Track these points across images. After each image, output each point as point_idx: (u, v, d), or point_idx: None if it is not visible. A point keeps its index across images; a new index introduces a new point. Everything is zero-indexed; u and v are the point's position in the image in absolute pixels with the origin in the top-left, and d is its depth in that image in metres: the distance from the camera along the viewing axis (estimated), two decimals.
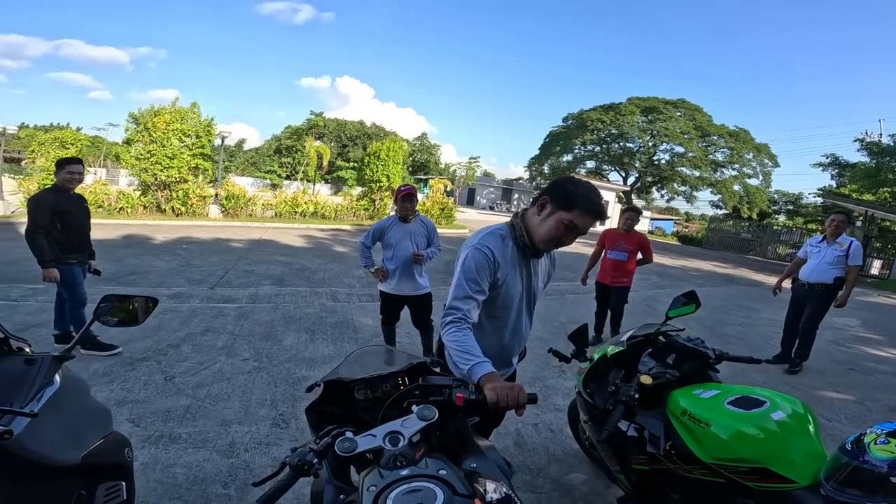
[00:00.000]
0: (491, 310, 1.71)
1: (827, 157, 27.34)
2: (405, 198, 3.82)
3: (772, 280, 14.94)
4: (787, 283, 5.60)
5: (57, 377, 1.48)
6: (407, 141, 27.73)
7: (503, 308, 1.72)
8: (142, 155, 14.01)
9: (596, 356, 2.27)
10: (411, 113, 69.60)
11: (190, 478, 2.48)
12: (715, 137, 37.65)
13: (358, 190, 21.35)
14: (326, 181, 32.20)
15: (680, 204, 42.75)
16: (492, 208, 45.11)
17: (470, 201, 47.70)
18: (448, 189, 25.86)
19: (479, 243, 1.63)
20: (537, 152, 44.05)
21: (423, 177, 40.20)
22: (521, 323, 1.82)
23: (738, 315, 8.45)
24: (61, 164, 3.97)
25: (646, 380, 1.86)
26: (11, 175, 18.83)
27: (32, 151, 14.35)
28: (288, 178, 29.94)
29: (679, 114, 37.95)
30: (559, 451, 3.08)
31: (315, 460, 1.03)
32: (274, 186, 21.29)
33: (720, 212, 37.57)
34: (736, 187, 37.20)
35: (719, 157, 38.25)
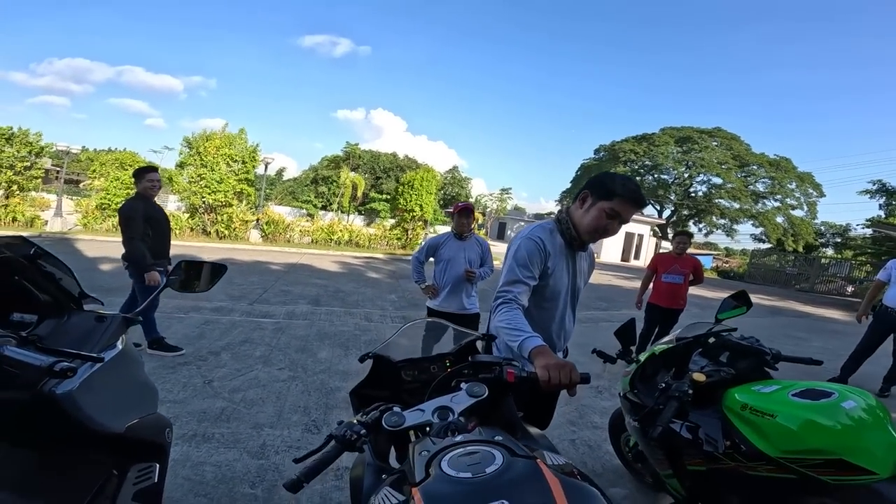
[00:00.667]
0: (539, 300, 1.73)
1: (874, 184, 25.40)
2: (462, 212, 3.68)
3: (822, 312, 14.44)
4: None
5: (120, 342, 1.49)
6: (440, 175, 28.33)
7: (551, 299, 1.76)
8: (193, 178, 14.89)
9: (643, 357, 2.18)
10: (442, 146, 71.48)
11: (218, 476, 2.48)
12: (754, 167, 35.96)
13: (391, 221, 21.78)
14: (360, 213, 33.01)
15: (719, 238, 41.08)
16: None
17: (500, 235, 47.55)
18: (479, 222, 26.00)
19: (530, 234, 1.71)
20: (569, 185, 43.88)
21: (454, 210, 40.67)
22: (566, 316, 1.84)
23: (786, 343, 7.93)
24: (140, 173, 4.09)
25: (699, 377, 1.76)
26: (70, 196, 20.26)
27: (94, 171, 15.44)
28: (323, 208, 30.88)
29: (715, 143, 36.56)
30: (598, 467, 2.93)
31: (363, 432, 1.00)
32: (310, 216, 22.01)
33: (763, 245, 35.57)
34: (779, 219, 35.32)
35: (760, 187, 36.38)
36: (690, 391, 1.71)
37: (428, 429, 1.03)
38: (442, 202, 39.10)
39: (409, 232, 20.09)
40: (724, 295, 2.22)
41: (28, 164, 14.76)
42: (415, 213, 19.49)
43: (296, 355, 4.68)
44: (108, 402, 1.33)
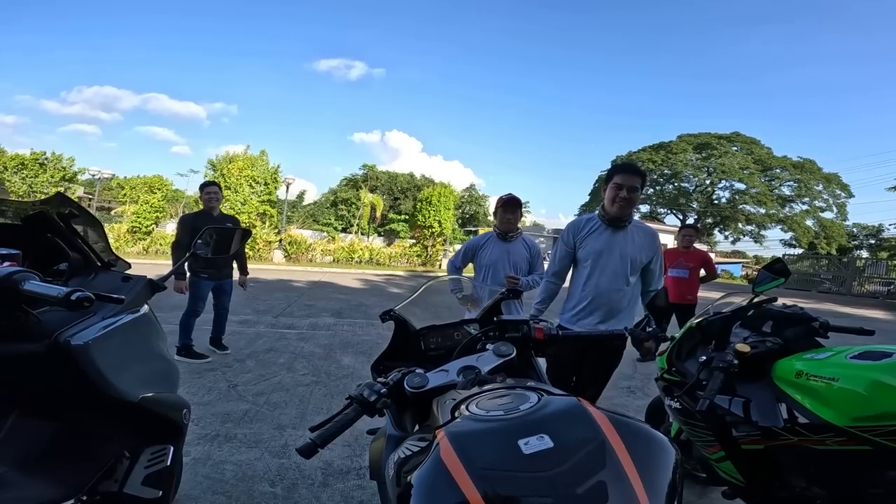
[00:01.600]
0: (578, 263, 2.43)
1: None
2: (507, 206, 2.95)
3: (863, 312, 13.69)
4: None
5: (144, 307, 1.44)
6: (455, 191, 28.51)
7: (584, 261, 2.38)
8: None
9: (678, 334, 2.05)
10: (458, 166, 71.97)
11: (238, 475, 2.43)
12: (778, 170, 34.80)
13: (411, 241, 21.92)
14: (379, 234, 33.35)
15: (747, 245, 39.71)
16: (543, 259, 44.25)
17: None
18: None
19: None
20: (587, 199, 43.51)
21: (473, 228, 40.58)
22: (615, 278, 2.30)
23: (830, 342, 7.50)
24: (201, 188, 4.65)
25: (743, 348, 1.64)
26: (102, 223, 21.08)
27: (124, 196, 16.06)
28: (344, 230, 31.30)
29: (735, 148, 35.58)
30: None
31: (383, 391, 0.93)
32: (332, 238, 22.36)
33: (794, 251, 34.13)
34: (809, 222, 34.04)
35: (785, 191, 35.11)
36: (736, 361, 1.59)
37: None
38: (460, 221, 39.22)
39: (429, 249, 20.13)
40: (760, 299, 2.08)
41: (62, 189, 15.46)
42: (434, 230, 19.56)
43: (319, 362, 4.66)
44: (124, 364, 1.24)
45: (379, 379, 1.00)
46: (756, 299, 1.97)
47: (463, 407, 0.80)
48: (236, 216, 14.89)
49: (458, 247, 22.92)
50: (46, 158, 15.38)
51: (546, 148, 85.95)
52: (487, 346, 1.08)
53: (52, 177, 15.24)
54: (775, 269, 2.07)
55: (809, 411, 1.43)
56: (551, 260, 2.53)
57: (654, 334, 1.71)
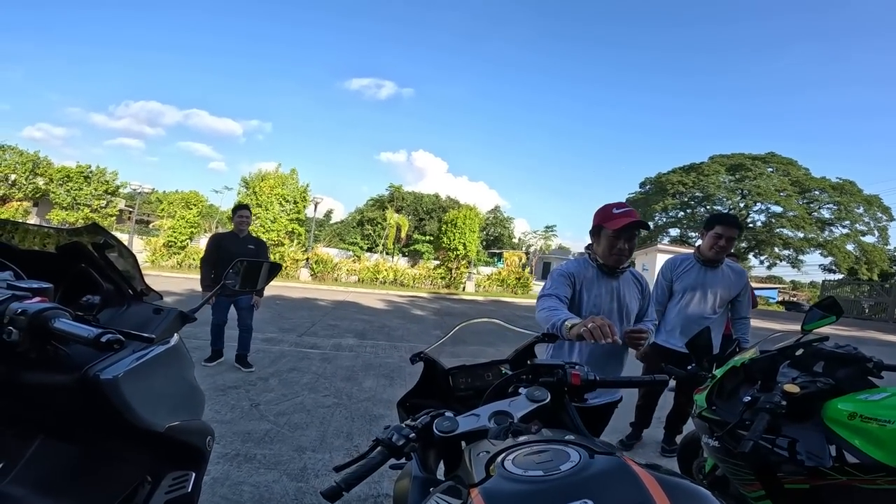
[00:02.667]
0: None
1: None
2: (625, 231, 1.88)
3: None
4: None
5: (175, 338, 1.46)
6: (482, 214, 28.58)
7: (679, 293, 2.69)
8: None
9: (719, 373, 1.96)
10: (483, 187, 72.06)
11: (256, 496, 2.41)
12: (816, 192, 33.45)
13: (435, 262, 21.98)
14: (404, 254, 33.61)
15: (784, 270, 38.01)
16: None
17: (545, 275, 46.55)
18: (522, 262, 25.68)
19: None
20: None
21: (497, 251, 40.41)
22: (703, 309, 2.63)
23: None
24: (234, 210, 4.95)
25: (792, 388, 1.57)
26: (141, 236, 22.02)
27: (162, 210, 16.76)
28: (369, 250, 31.70)
29: (770, 169, 34.33)
30: None
31: (412, 435, 0.91)
32: (357, 258, 22.67)
33: (834, 276, 32.56)
34: (849, 247, 32.47)
35: (825, 214, 33.70)
36: (784, 402, 1.53)
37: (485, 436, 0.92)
38: (484, 243, 39.16)
39: (453, 271, 20.10)
40: (798, 327, 2.00)
41: (104, 202, 16.22)
42: (458, 252, 19.55)
43: (341, 384, 4.65)
44: (152, 397, 1.27)
45: (407, 422, 0.97)
46: (804, 338, 1.89)
47: (498, 461, 0.75)
48: (262, 235, 15.52)
49: (483, 269, 22.51)
50: (91, 172, 16.21)
51: (573, 168, 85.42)
52: (520, 391, 1.04)
53: (95, 189, 16.01)
54: (825, 306, 1.99)
55: (862, 452, 1.40)
56: (653, 292, 2.83)
57: (693, 373, 1.63)
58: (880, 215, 32.82)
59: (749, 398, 1.62)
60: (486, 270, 24.56)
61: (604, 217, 1.93)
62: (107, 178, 16.46)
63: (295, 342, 6.57)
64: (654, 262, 30.67)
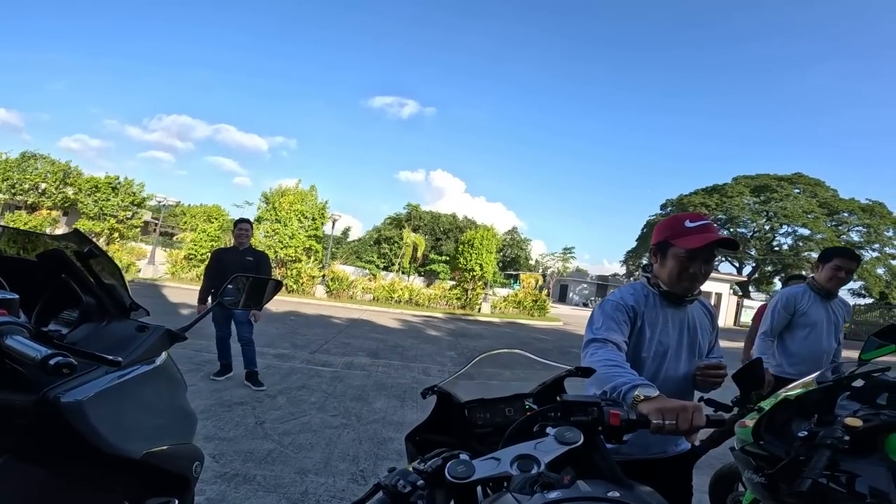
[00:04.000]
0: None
1: None
2: (700, 254, 1.49)
3: None
4: None
5: (161, 357, 1.38)
6: (499, 235, 28.49)
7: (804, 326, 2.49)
8: (268, 233, 15.97)
9: (767, 405, 1.77)
10: (501, 208, 71.99)
11: None
12: (845, 214, 32.44)
13: (451, 283, 21.82)
14: (420, 273, 33.59)
15: None
16: (585, 304, 42.51)
17: (562, 298, 45.72)
18: (538, 284, 25.34)
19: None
20: (634, 244, 41.87)
21: (514, 272, 40.06)
22: (829, 339, 2.39)
23: None
24: (235, 223, 4.94)
25: (853, 422, 1.43)
26: (164, 248, 22.46)
27: (185, 223, 17.09)
28: (385, 268, 31.78)
29: (797, 190, 33.42)
30: None
31: (419, 482, 0.78)
32: (373, 276, 22.71)
33: (864, 300, 31.31)
34: (880, 271, 31.35)
35: (854, 237, 32.53)
36: (847, 438, 1.38)
37: (506, 484, 0.79)
38: (501, 264, 38.89)
39: (469, 292, 19.87)
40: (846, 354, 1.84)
41: (130, 213, 16.60)
42: (475, 273, 19.36)
43: (351, 403, 4.50)
44: (127, 421, 1.17)
45: (415, 464, 0.84)
46: (863, 368, 1.73)
47: None
48: (281, 251, 15.65)
49: (499, 291, 22.17)
50: (119, 183, 16.68)
51: (592, 191, 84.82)
52: (548, 430, 0.90)
53: (122, 201, 16.42)
54: (884, 333, 1.84)
55: None
56: (769, 321, 3.22)
57: (737, 404, 1.47)
58: None
59: (806, 433, 1.47)
60: (503, 292, 24.27)
61: (673, 231, 1.52)
62: (134, 190, 16.90)
63: (307, 359, 6.46)
64: None
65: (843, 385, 1.69)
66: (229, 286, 1.66)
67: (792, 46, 66.10)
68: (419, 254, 32.08)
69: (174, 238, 25.04)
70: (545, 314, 20.73)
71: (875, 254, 32.18)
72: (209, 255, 5.09)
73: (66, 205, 19.06)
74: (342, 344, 8.22)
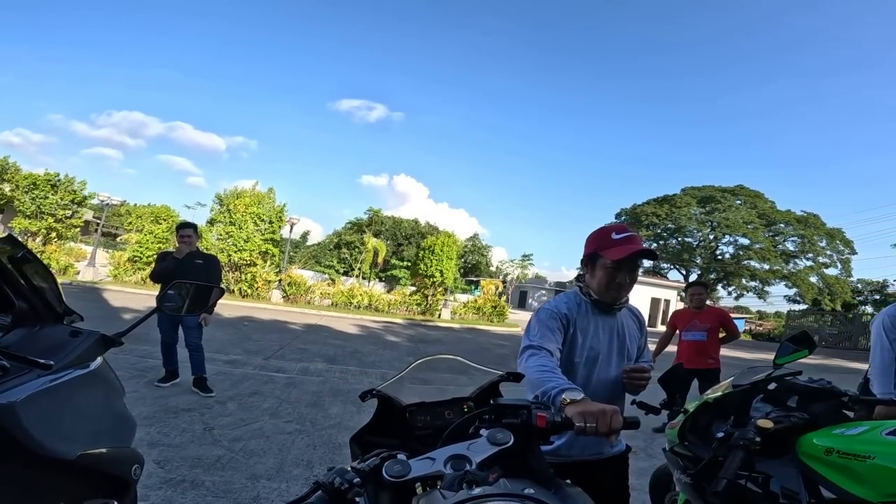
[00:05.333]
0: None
1: None
2: (625, 264, 1.58)
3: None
4: None
5: (96, 362, 1.39)
6: (460, 241, 28.67)
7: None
8: (221, 236, 15.35)
9: (691, 407, 1.92)
10: (463, 214, 72.34)
11: None
12: (782, 225, 34.58)
13: (412, 288, 21.76)
14: (381, 279, 33.27)
15: (751, 301, 38.99)
16: None
17: (521, 304, 46.50)
18: (499, 290, 25.70)
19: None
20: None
21: (475, 278, 40.40)
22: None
23: None
24: (177, 228, 4.79)
25: (765, 423, 1.53)
26: (106, 249, 21.08)
27: (129, 224, 16.16)
28: (345, 274, 31.26)
29: (739, 202, 35.43)
30: None
31: (356, 480, 0.82)
32: (332, 281, 22.28)
33: (798, 306, 33.62)
34: (813, 279, 33.54)
35: (789, 246, 34.82)
36: (758, 439, 1.49)
37: (440, 482, 0.84)
38: (462, 270, 39.16)
39: (430, 298, 19.89)
40: (764, 356, 1.98)
41: (69, 212, 15.52)
42: (435, 279, 19.41)
43: (305, 409, 4.43)
44: (59, 424, 1.19)
45: (353, 464, 0.88)
46: (777, 372, 1.85)
47: None
48: (234, 255, 15.06)
49: (460, 297, 22.30)
50: (59, 180, 15.59)
51: (551, 199, 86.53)
52: (482, 432, 0.96)
53: (61, 199, 15.35)
54: (798, 340, 1.96)
55: (840, 488, 1.35)
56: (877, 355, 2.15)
57: (664, 408, 1.60)
58: (842, 248, 34.14)
59: (722, 434, 1.58)
60: (464, 298, 24.43)
61: (601, 244, 1.60)
62: (75, 188, 15.83)
63: (260, 365, 6.27)
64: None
65: (759, 388, 1.81)
66: (170, 291, 1.69)
67: (746, 57, 70.13)
68: (380, 259, 31.76)
69: (118, 239, 23.63)
70: (504, 320, 21.06)
71: (808, 262, 34.47)
72: (155, 258, 4.87)
73: (1, 202, 17.71)
74: (298, 350, 8.03)
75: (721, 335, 4.71)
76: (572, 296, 1.71)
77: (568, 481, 1.09)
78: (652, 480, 2.59)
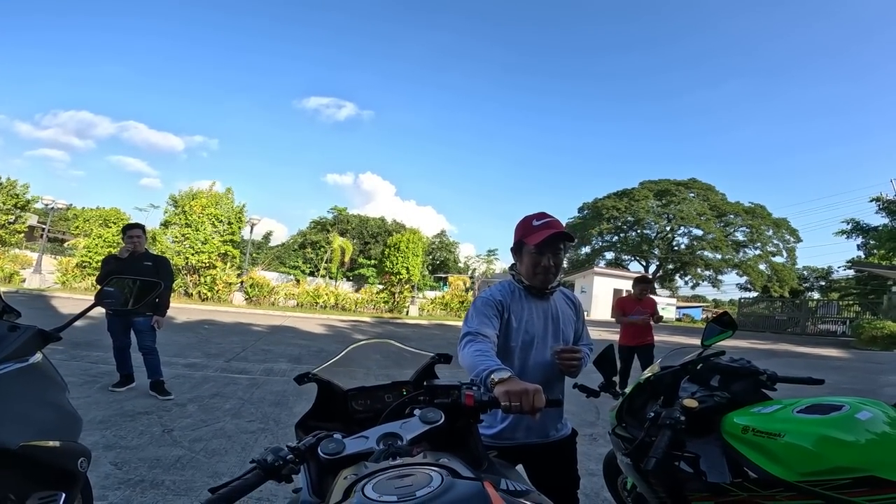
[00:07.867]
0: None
1: (848, 224, 24.73)
2: (548, 243, 1.65)
3: (818, 351, 14.21)
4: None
5: (35, 356, 1.42)
6: (426, 238, 28.66)
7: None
8: (177, 238, 14.78)
9: (628, 389, 2.03)
10: (431, 211, 71.93)
11: None
12: (731, 216, 36.46)
13: (379, 287, 21.65)
14: (349, 278, 32.87)
15: (706, 290, 40.95)
16: None
17: None
18: (467, 286, 25.95)
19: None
20: None
21: (443, 275, 40.51)
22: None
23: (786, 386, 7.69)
24: (123, 230, 4.66)
25: (690, 403, 1.59)
26: (53, 255, 19.86)
27: (76, 228, 15.33)
28: (311, 274, 30.69)
29: (692, 194, 37.07)
30: None
31: (289, 457, 0.87)
32: (297, 281, 21.85)
33: (750, 294, 35.22)
34: (762, 267, 35.52)
35: (739, 236, 36.82)
36: (683, 418, 1.54)
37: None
38: (431, 267, 39.16)
39: (397, 296, 19.87)
40: (720, 343, 2.10)
41: (12, 217, 14.60)
42: (402, 276, 19.41)
43: (269, 409, 4.39)
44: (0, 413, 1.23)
45: (288, 443, 0.93)
46: (704, 353, 1.94)
47: (359, 486, 0.73)
48: (192, 258, 14.49)
49: (429, 293, 22.39)
50: (0, 184, 14.62)
51: (519, 194, 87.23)
52: (415, 412, 1.02)
53: (3, 203, 14.40)
54: (723, 321, 2.06)
55: (758, 467, 1.39)
56: None
57: (602, 390, 1.68)
58: (788, 237, 36.31)
59: (652, 414, 1.62)
60: (432, 294, 24.53)
61: (524, 231, 1.67)
62: (17, 192, 14.85)
63: (221, 367, 6.14)
64: (591, 284, 32.09)
65: (687, 369, 1.88)
66: (108, 288, 1.70)
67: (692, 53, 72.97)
68: (347, 258, 31.39)
69: (65, 244, 22.29)
70: None
71: (757, 251, 36.43)
72: (102, 262, 4.76)
73: None
74: (262, 351, 7.89)
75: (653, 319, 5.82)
76: (507, 284, 1.77)
77: (502, 461, 1.17)
78: (605, 462, 2.64)
